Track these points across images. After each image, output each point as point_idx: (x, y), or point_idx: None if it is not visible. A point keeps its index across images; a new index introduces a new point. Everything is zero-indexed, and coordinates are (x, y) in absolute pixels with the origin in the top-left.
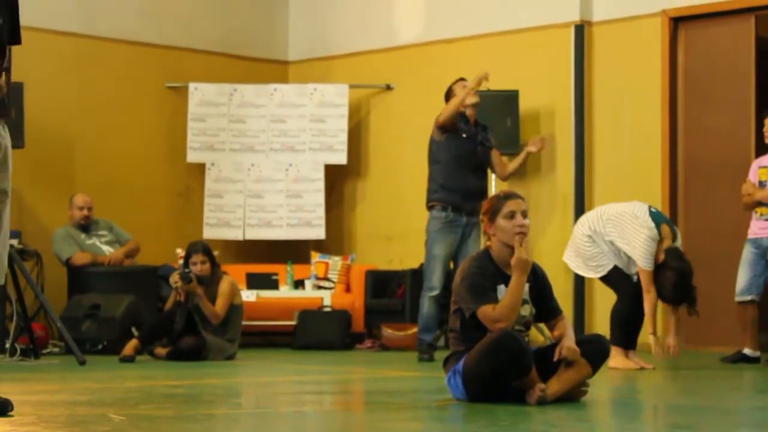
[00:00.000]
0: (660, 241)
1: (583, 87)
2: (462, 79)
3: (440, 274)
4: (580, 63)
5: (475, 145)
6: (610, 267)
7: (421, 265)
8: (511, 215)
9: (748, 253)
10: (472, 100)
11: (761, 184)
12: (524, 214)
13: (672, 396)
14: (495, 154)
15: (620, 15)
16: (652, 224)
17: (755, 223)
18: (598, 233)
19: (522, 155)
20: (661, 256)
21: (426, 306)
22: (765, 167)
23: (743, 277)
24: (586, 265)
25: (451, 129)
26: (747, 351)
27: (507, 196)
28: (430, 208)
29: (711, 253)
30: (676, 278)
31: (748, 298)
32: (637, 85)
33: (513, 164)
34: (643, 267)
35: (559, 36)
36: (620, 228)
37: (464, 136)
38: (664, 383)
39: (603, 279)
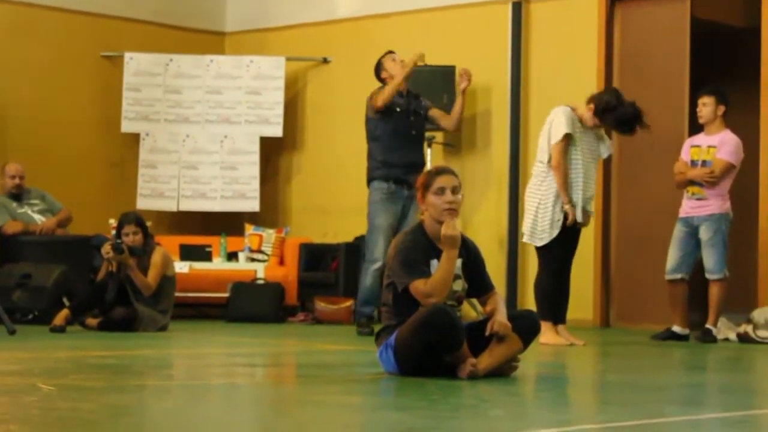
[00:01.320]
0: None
1: (519, 64)
2: (391, 52)
3: (383, 246)
4: (517, 40)
5: (409, 117)
6: (545, 239)
7: (356, 239)
8: (441, 191)
9: (678, 232)
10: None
11: (693, 163)
12: (455, 190)
13: (602, 372)
14: (435, 112)
15: None
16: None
17: (686, 202)
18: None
19: (459, 99)
20: (588, 112)
21: (368, 279)
22: (697, 146)
23: (673, 255)
24: (531, 231)
25: (385, 105)
26: (676, 328)
27: (438, 172)
28: (370, 181)
29: (643, 232)
30: (615, 103)
31: (678, 276)
32: (573, 64)
33: (455, 111)
34: (557, 140)
35: (496, 13)
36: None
37: (398, 110)
38: (594, 359)
39: (538, 246)
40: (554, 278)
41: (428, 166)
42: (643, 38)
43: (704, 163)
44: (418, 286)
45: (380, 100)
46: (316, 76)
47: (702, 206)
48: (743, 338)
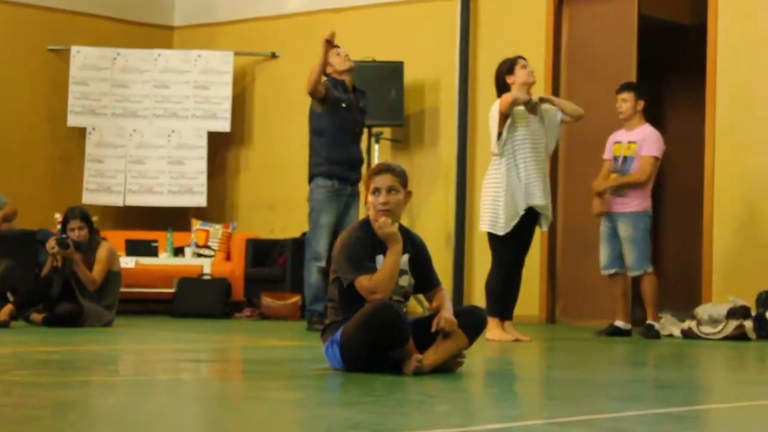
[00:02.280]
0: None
1: (468, 60)
2: (335, 47)
3: (326, 243)
4: (465, 36)
5: (356, 113)
6: (506, 228)
7: (303, 235)
8: (377, 192)
9: (604, 227)
10: (346, 65)
11: (615, 159)
12: (390, 190)
13: (547, 368)
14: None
15: None
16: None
17: (609, 198)
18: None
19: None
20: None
21: (314, 276)
22: (619, 143)
23: (604, 251)
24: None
25: (330, 100)
26: (619, 323)
27: (377, 171)
28: (313, 178)
29: (588, 229)
30: None
31: (612, 271)
32: None
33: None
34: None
35: (445, 8)
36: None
37: (344, 105)
38: (540, 355)
39: (493, 239)
40: (506, 275)
41: (375, 161)
42: (591, 35)
43: (625, 159)
44: (363, 282)
45: (308, 86)
46: (265, 71)
47: (623, 203)
48: (687, 334)
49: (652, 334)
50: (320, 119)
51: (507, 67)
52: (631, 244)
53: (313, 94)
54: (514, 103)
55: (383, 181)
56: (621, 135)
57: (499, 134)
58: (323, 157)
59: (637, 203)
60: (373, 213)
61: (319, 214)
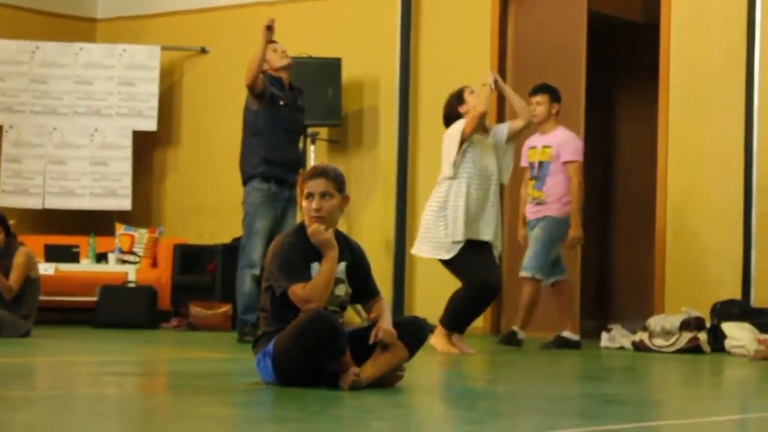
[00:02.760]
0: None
1: (409, 57)
2: (272, 41)
3: (261, 250)
4: (406, 31)
5: (293, 112)
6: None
7: (234, 240)
8: (310, 197)
9: (529, 236)
10: (283, 62)
11: (531, 165)
12: (324, 195)
13: (491, 382)
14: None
15: None
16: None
17: (528, 206)
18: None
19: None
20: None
21: (247, 284)
22: (534, 148)
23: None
24: (435, 247)
25: (268, 97)
26: (566, 334)
27: (310, 175)
28: (248, 180)
29: None
30: None
31: (551, 280)
32: (465, 58)
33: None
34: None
35: (385, 3)
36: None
37: (282, 103)
38: (484, 369)
39: (450, 263)
40: (476, 296)
41: (311, 163)
42: (539, 32)
43: (541, 164)
44: (297, 290)
45: (246, 78)
46: (194, 66)
47: (541, 210)
48: (639, 347)
49: (514, 341)
50: (256, 117)
51: (456, 98)
52: (535, 244)
53: (252, 87)
54: (482, 115)
55: (317, 185)
56: (535, 140)
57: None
58: (260, 158)
59: (555, 209)
60: (307, 219)
61: (254, 219)
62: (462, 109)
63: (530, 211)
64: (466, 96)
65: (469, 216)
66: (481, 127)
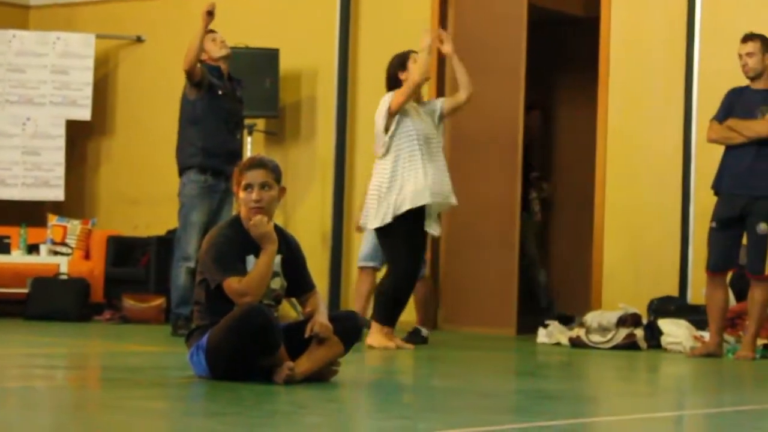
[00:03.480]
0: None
1: (347, 48)
2: (211, 31)
3: (196, 243)
4: (345, 24)
5: (232, 102)
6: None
7: (169, 232)
8: (249, 188)
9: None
10: (222, 52)
11: None
12: (263, 186)
13: (427, 377)
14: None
15: None
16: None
17: None
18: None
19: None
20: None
21: (182, 277)
22: None
23: (366, 244)
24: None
25: (206, 86)
26: (422, 328)
27: (249, 166)
28: (184, 171)
29: (473, 232)
30: None
31: (370, 264)
32: (404, 49)
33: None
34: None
35: None
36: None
37: (221, 92)
38: (420, 364)
39: (384, 241)
40: (401, 282)
41: (248, 155)
42: (479, 26)
43: None
44: (232, 283)
45: (185, 63)
46: (129, 55)
47: None
48: (575, 343)
49: (418, 339)
50: (194, 107)
51: (399, 62)
52: (372, 234)
53: (189, 73)
54: (418, 85)
55: (256, 176)
56: None
57: (386, 129)
58: (198, 148)
59: None
60: (245, 211)
61: (190, 211)
62: (402, 76)
63: None
64: (410, 63)
65: (418, 186)
66: (414, 95)
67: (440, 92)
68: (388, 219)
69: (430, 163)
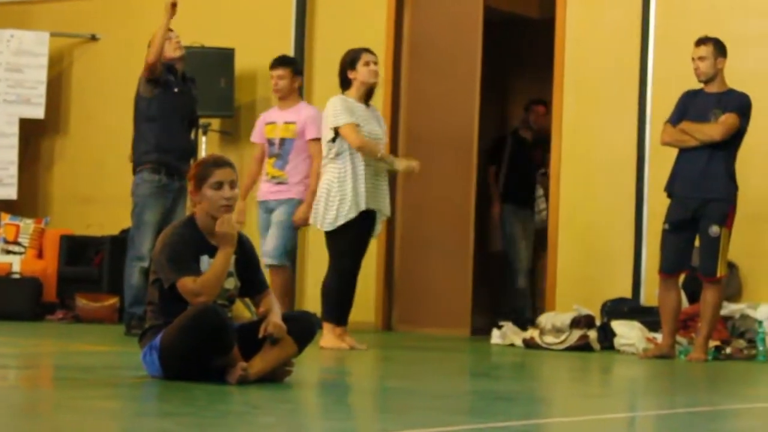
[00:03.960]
0: None
1: (303, 48)
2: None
3: (150, 243)
4: (301, 24)
5: (187, 100)
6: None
7: (123, 232)
8: (219, 185)
9: (261, 219)
10: (177, 53)
11: (270, 142)
12: (232, 185)
13: (382, 378)
14: None
15: None
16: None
17: (264, 185)
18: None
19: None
20: None
21: (135, 277)
22: (273, 123)
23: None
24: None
25: (162, 83)
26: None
27: (216, 164)
28: (138, 170)
29: (428, 232)
30: None
31: (277, 263)
32: None
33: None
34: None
35: None
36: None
37: (176, 90)
38: (375, 364)
39: (330, 240)
40: (345, 278)
41: (202, 155)
42: (434, 27)
43: (283, 141)
44: (187, 283)
45: (149, 55)
46: (83, 54)
47: (282, 191)
48: (529, 344)
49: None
50: (150, 104)
51: (350, 61)
52: (280, 230)
53: (153, 67)
54: (363, 149)
55: (226, 174)
56: (274, 115)
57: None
58: (152, 145)
59: (298, 191)
60: (213, 208)
61: (143, 210)
62: (351, 75)
63: (268, 190)
64: (359, 66)
65: (358, 191)
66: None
67: (396, 97)
68: (340, 222)
69: (377, 166)
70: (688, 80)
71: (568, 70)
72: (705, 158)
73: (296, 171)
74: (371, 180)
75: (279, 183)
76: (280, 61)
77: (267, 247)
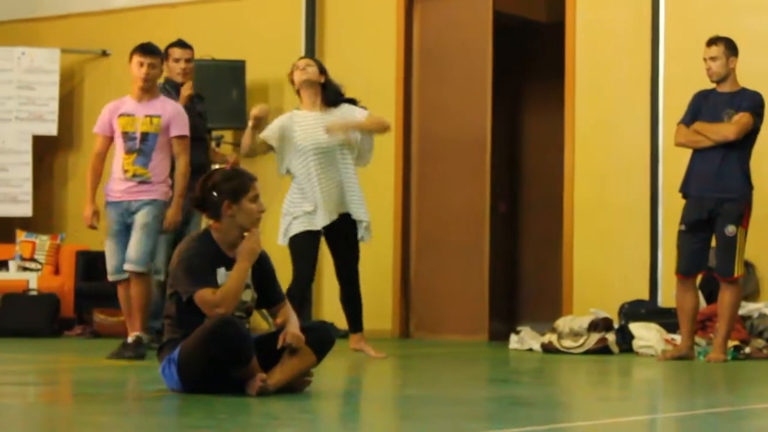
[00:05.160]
0: None
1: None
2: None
3: (164, 256)
4: (311, 34)
5: (195, 118)
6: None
7: None
8: (256, 198)
9: (115, 223)
10: (183, 80)
11: (128, 136)
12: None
13: (400, 386)
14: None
15: None
16: None
17: (121, 183)
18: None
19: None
20: None
21: (153, 291)
22: (130, 116)
23: (117, 254)
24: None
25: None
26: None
27: (251, 177)
28: None
29: (443, 237)
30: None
31: (143, 269)
32: (371, 60)
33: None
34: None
35: (289, 3)
36: None
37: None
38: (393, 373)
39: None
40: (299, 285)
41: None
42: (444, 33)
43: (145, 136)
44: (206, 295)
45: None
46: (95, 69)
47: (145, 191)
48: (548, 348)
49: (129, 353)
50: None
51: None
52: (145, 235)
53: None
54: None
55: (258, 188)
56: (130, 106)
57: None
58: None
59: (162, 192)
60: (248, 220)
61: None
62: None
63: (126, 190)
64: (295, 73)
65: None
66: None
67: (408, 103)
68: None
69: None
70: (700, 80)
71: (579, 73)
72: (719, 158)
73: (159, 169)
74: (327, 192)
75: (142, 182)
76: (150, 50)
77: (131, 253)
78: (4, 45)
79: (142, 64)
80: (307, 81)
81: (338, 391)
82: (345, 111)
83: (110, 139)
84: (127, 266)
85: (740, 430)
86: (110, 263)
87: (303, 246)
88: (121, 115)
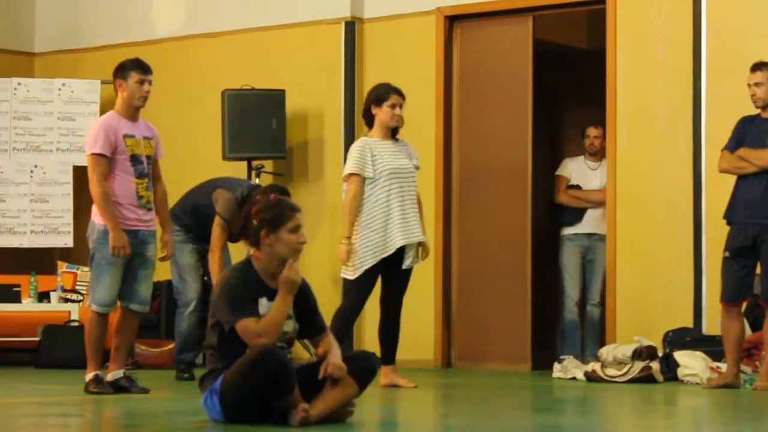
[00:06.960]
0: None
1: (354, 87)
2: None
3: (194, 285)
4: (350, 62)
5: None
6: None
7: None
8: (296, 230)
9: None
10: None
11: (136, 159)
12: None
13: (443, 416)
14: None
15: (393, 12)
16: None
17: (135, 211)
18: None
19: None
20: None
21: (184, 323)
22: (131, 137)
23: (114, 286)
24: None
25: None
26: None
27: (293, 208)
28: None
29: (485, 266)
30: None
31: (110, 310)
32: (410, 86)
33: None
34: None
35: (328, 33)
36: None
37: None
38: (436, 402)
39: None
40: (346, 324)
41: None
42: (484, 59)
43: (149, 160)
44: (248, 325)
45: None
46: None
47: (152, 220)
48: (591, 377)
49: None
50: None
51: (375, 97)
52: (152, 272)
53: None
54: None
55: (300, 219)
56: (126, 126)
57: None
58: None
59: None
60: (288, 251)
61: (179, 255)
62: (374, 111)
63: (139, 220)
64: (385, 106)
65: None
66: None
67: (448, 131)
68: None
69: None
70: (743, 105)
71: (621, 100)
72: (764, 184)
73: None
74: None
75: (149, 210)
76: (149, 67)
77: (143, 293)
78: (45, 76)
79: (143, 82)
80: (397, 127)
81: (380, 421)
82: (408, 147)
83: (110, 161)
84: (135, 307)
85: None
86: (108, 294)
87: (367, 285)
88: (125, 136)
